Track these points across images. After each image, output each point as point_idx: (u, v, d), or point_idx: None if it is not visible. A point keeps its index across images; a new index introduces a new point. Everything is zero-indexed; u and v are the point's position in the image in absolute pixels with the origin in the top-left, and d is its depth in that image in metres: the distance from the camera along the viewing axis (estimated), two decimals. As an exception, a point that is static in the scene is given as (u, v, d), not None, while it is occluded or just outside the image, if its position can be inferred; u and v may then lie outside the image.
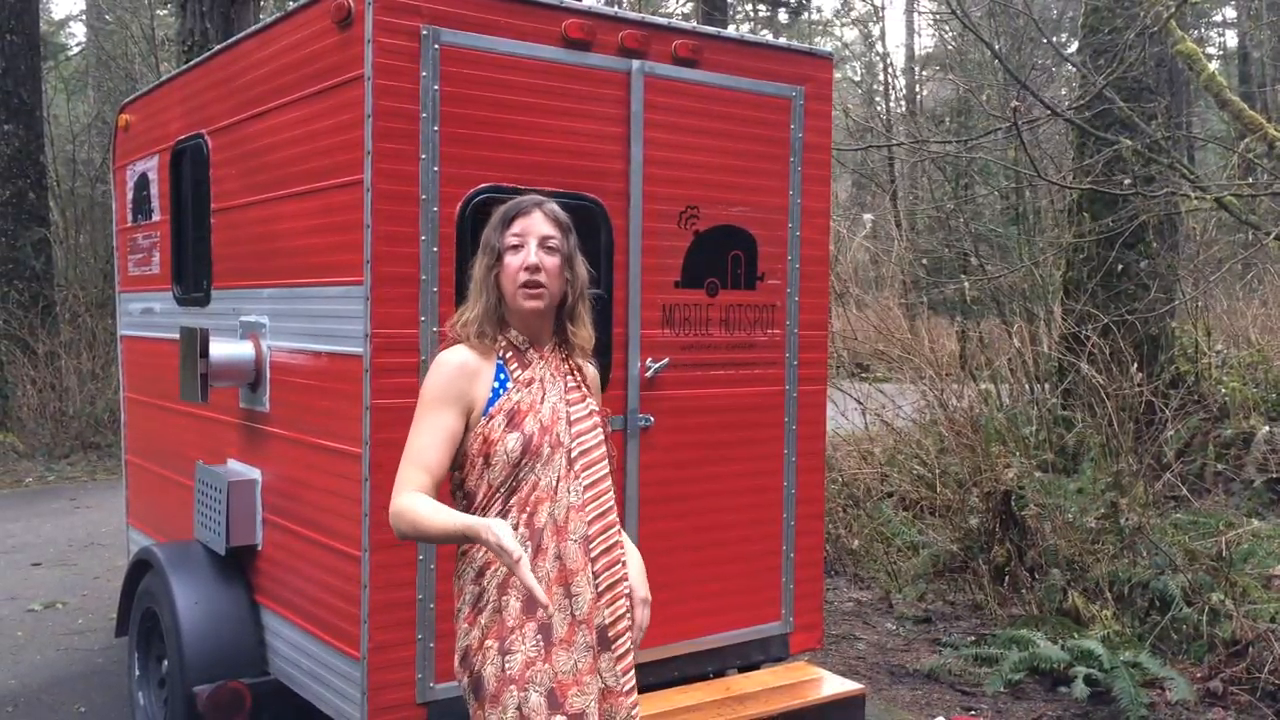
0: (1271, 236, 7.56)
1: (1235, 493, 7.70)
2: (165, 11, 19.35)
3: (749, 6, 29.89)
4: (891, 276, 12.63)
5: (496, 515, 2.32)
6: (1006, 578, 6.28)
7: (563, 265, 2.38)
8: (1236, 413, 8.43)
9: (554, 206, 2.43)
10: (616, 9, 8.75)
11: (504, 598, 2.28)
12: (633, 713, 2.35)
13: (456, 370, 2.34)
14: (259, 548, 4.05)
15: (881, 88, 25.67)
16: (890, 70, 25.27)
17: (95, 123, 18.94)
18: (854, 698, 3.93)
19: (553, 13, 3.56)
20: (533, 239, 2.35)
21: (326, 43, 3.48)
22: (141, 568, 4.40)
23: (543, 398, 2.37)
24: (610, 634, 2.35)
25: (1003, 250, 11.79)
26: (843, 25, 33.24)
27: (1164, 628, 5.47)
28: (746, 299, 4.07)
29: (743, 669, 4.19)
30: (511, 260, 2.35)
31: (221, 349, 4.02)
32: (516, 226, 2.37)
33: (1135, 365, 7.18)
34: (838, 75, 12.33)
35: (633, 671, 2.40)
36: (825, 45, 28.72)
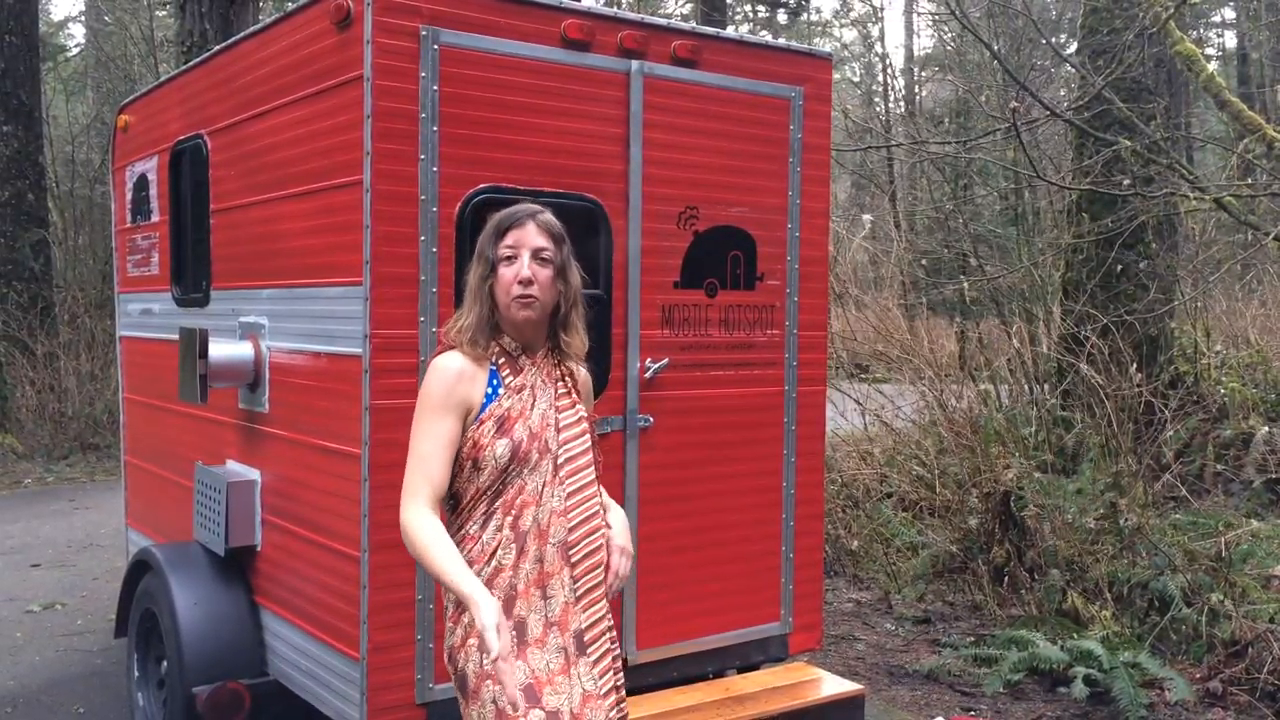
0: (1270, 237, 7.56)
1: (1234, 493, 7.71)
2: (164, 12, 19.33)
3: (748, 7, 29.88)
4: (891, 277, 12.63)
5: (481, 516, 2.37)
6: (1006, 578, 6.28)
7: (555, 276, 2.41)
8: (1236, 413, 8.43)
9: (548, 217, 2.45)
10: (615, 9, 8.76)
11: None
12: (611, 714, 2.37)
13: (455, 376, 2.38)
14: (258, 548, 4.04)
15: (881, 88, 25.70)
16: (889, 71, 25.30)
17: (94, 124, 18.95)
18: (853, 698, 3.93)
19: (552, 13, 3.56)
20: (526, 251, 2.38)
21: (326, 43, 3.48)
22: (140, 568, 4.40)
23: (533, 404, 2.41)
24: (586, 638, 2.38)
25: (1002, 251, 11.79)
26: (842, 26, 33.26)
27: (1163, 628, 5.47)
28: (746, 299, 4.07)
29: (742, 669, 4.19)
30: (505, 271, 2.38)
31: (221, 350, 4.02)
32: (510, 238, 2.40)
33: (1134, 366, 7.18)
34: (837, 76, 12.33)
35: (612, 674, 2.42)
36: (824, 46, 28.70)
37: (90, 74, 22.31)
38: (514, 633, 2.29)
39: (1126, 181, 7.96)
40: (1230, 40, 30.48)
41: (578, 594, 2.38)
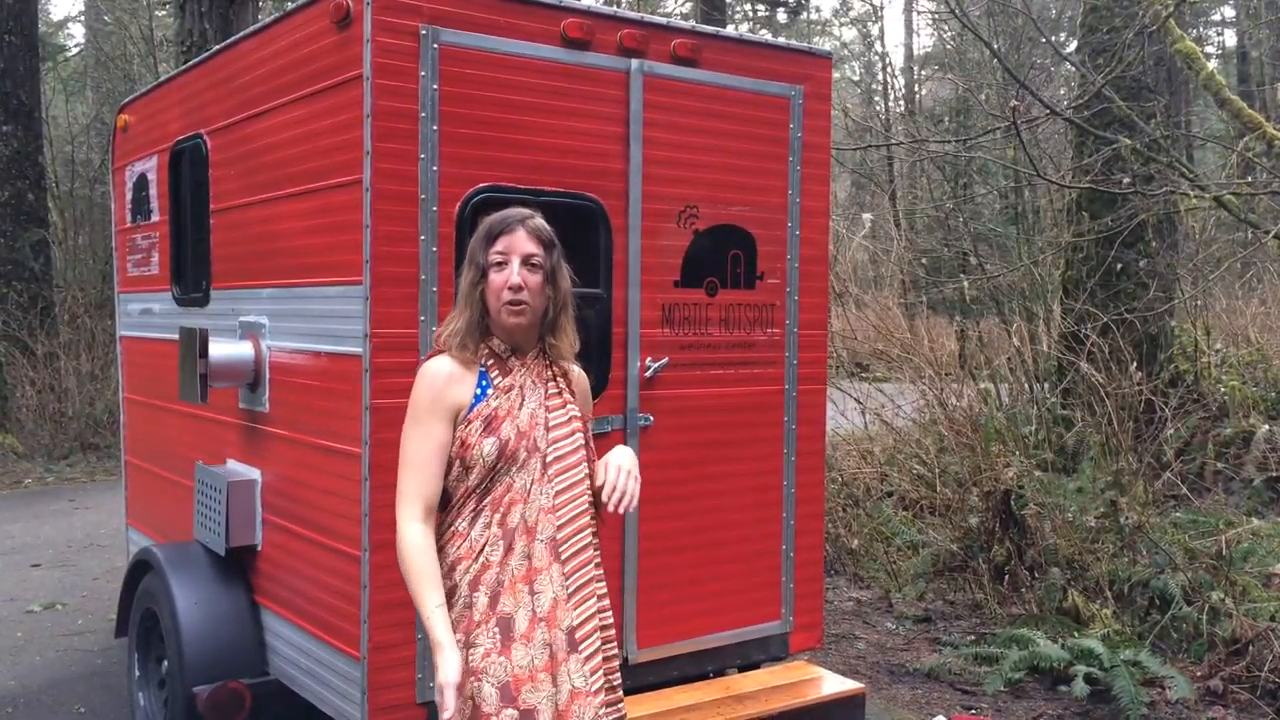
0: (1270, 235, 7.57)
1: (1235, 491, 7.70)
2: (164, 12, 19.33)
3: (748, 6, 29.88)
4: (891, 276, 12.65)
5: (470, 513, 2.40)
6: (1006, 577, 6.28)
7: (544, 282, 2.46)
8: (1236, 411, 8.43)
9: (538, 222, 2.49)
10: (615, 8, 8.76)
11: (474, 594, 2.36)
12: (601, 712, 2.38)
13: (444, 380, 2.43)
14: (259, 548, 4.04)
15: (880, 87, 25.70)
16: (889, 70, 25.30)
17: (94, 124, 18.95)
18: (854, 697, 3.92)
19: (552, 12, 3.56)
20: (516, 257, 2.43)
21: (325, 43, 3.48)
22: (141, 568, 4.40)
23: (521, 403, 2.44)
24: (578, 635, 2.39)
25: (1002, 249, 11.79)
26: (841, 25, 33.28)
27: (1164, 626, 5.47)
28: (746, 298, 4.07)
29: (743, 668, 4.19)
30: (496, 277, 2.43)
31: (221, 349, 4.02)
32: (500, 244, 2.44)
33: (1135, 364, 7.18)
34: (837, 75, 12.32)
35: (604, 673, 2.43)
36: (824, 45, 28.70)
37: (90, 74, 22.30)
38: (497, 629, 2.33)
39: (1126, 180, 7.96)
40: (1230, 38, 30.48)
41: (569, 590, 2.39)
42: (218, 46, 4.37)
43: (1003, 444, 7.24)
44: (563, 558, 2.40)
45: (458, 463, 2.40)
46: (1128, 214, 8.26)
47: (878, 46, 28.94)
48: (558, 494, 2.43)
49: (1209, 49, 29.87)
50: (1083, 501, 6.39)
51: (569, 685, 2.34)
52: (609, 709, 2.45)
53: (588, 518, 2.47)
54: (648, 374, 3.83)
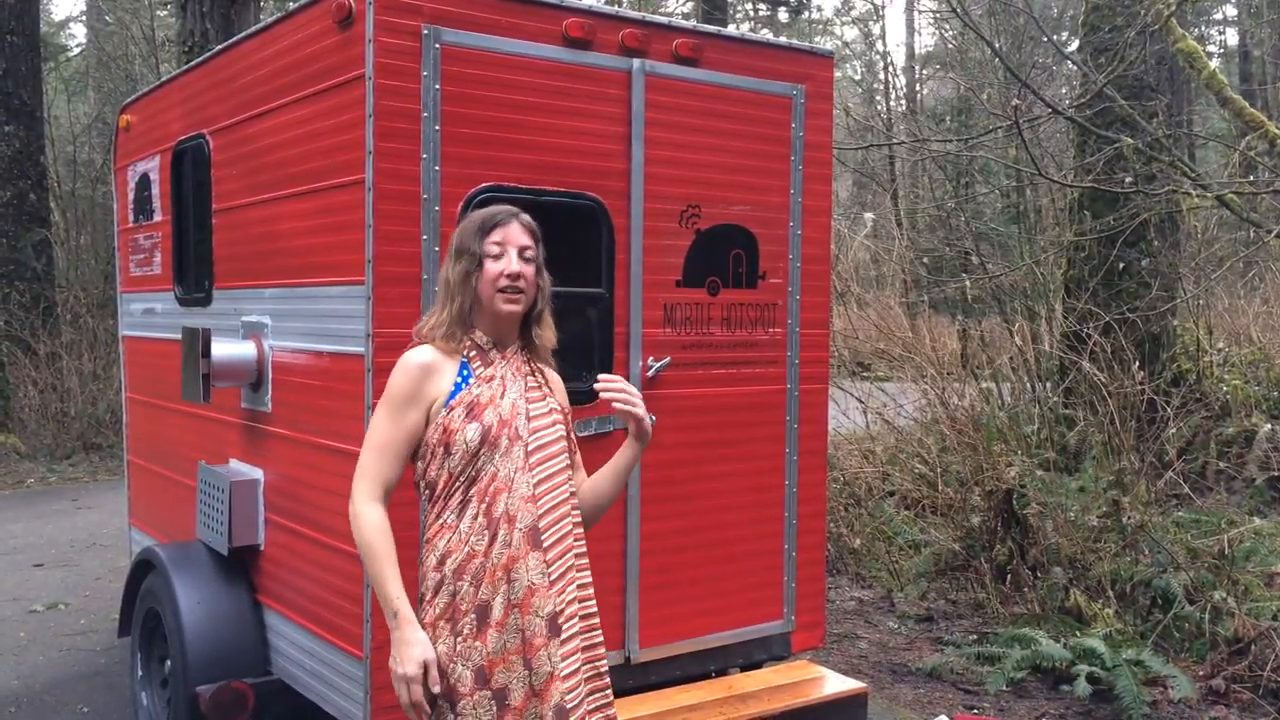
0: (1272, 234, 7.56)
1: (1237, 491, 7.70)
2: (165, 12, 19.35)
3: (749, 6, 29.89)
4: (892, 275, 12.64)
5: (458, 505, 2.44)
6: (1008, 576, 6.28)
7: (535, 274, 2.55)
8: (1238, 411, 8.43)
9: (528, 218, 2.59)
10: (617, 8, 8.75)
11: (459, 582, 2.40)
12: (567, 697, 2.40)
13: (420, 370, 2.49)
14: (261, 548, 4.05)
15: (882, 86, 25.67)
16: (891, 69, 25.26)
17: (96, 124, 18.97)
18: (856, 696, 3.92)
19: (553, 12, 3.56)
20: (513, 249, 2.51)
21: (327, 43, 3.48)
22: (144, 568, 4.40)
23: (503, 393, 2.49)
24: (560, 620, 2.43)
25: (1004, 249, 11.79)
26: (843, 24, 33.28)
27: (1166, 626, 5.47)
28: (748, 298, 4.07)
29: (745, 668, 4.19)
30: (492, 266, 2.49)
31: (223, 349, 4.02)
32: (496, 235, 2.51)
33: (1137, 364, 7.18)
34: (838, 74, 12.32)
35: (581, 659, 2.46)
36: (826, 44, 28.68)
37: (91, 74, 22.33)
38: (475, 616, 2.38)
39: (1128, 179, 7.96)
40: (1232, 37, 30.47)
41: (550, 578, 2.43)
42: (219, 46, 4.37)
43: (1005, 443, 7.24)
44: (543, 545, 2.44)
45: (441, 449, 2.44)
46: (1129, 213, 8.26)
47: (879, 46, 28.93)
48: (538, 483, 2.47)
49: (1211, 48, 29.85)
50: (1085, 501, 6.38)
51: (546, 669, 2.38)
52: (593, 696, 2.48)
53: (568, 506, 2.51)
54: (650, 373, 3.83)
